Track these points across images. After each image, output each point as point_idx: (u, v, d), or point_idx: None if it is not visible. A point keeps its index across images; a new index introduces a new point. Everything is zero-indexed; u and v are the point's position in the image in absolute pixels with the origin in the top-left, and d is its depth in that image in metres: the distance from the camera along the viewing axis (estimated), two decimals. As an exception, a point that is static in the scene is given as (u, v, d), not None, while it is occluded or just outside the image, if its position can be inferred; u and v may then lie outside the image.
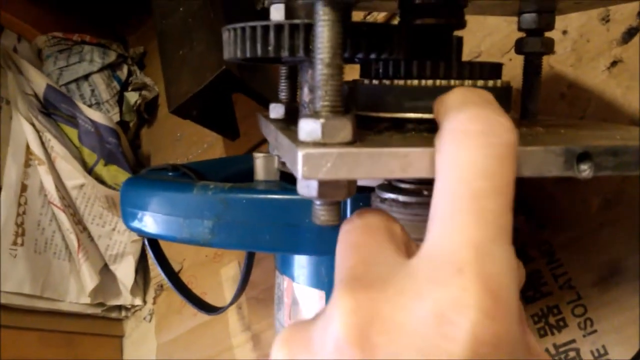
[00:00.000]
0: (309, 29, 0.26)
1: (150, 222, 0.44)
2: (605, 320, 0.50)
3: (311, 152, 0.20)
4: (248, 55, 0.27)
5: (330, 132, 0.21)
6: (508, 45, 0.60)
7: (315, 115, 0.22)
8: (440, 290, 0.18)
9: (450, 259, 0.18)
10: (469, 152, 0.19)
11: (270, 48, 0.26)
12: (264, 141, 0.85)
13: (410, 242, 0.23)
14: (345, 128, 0.21)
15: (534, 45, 0.37)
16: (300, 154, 0.20)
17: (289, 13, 0.32)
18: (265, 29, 0.26)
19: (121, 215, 0.48)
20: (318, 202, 0.23)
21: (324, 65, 0.21)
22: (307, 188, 0.22)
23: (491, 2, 0.35)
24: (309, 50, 0.26)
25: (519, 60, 0.40)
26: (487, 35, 0.61)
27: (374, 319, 0.18)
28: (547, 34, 0.38)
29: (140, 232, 0.45)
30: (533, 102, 0.39)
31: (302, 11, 0.30)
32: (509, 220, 0.19)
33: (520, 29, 0.38)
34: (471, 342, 0.17)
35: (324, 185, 0.22)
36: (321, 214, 0.23)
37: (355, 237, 0.22)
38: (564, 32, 0.55)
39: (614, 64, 0.52)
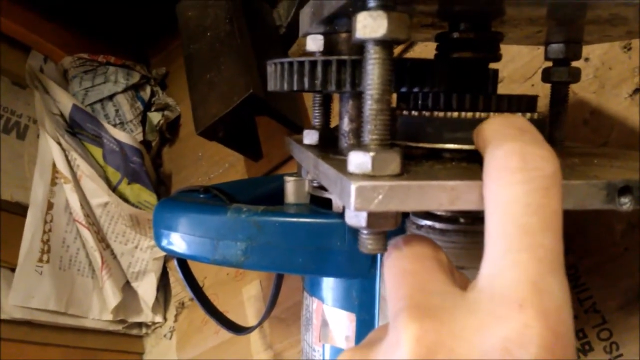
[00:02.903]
0: (355, 64, 0.27)
1: (183, 243, 0.45)
2: (631, 344, 0.50)
3: (363, 185, 0.21)
4: (295, 88, 0.28)
5: (380, 165, 0.22)
6: (530, 71, 0.60)
7: (364, 148, 0.23)
8: (503, 326, 0.18)
9: (510, 295, 0.19)
10: (510, 189, 0.20)
11: (318, 82, 0.27)
12: (283, 162, 0.86)
13: (454, 270, 0.24)
14: (394, 161, 0.22)
15: (560, 75, 0.38)
16: (354, 186, 0.21)
17: (327, 44, 0.33)
18: (313, 64, 0.27)
19: (153, 236, 0.49)
20: (365, 232, 0.24)
21: (373, 100, 0.22)
22: (356, 218, 0.23)
23: (522, 35, 0.36)
24: (355, 84, 0.27)
25: (542, 86, 0.40)
26: (510, 61, 0.62)
27: (439, 349, 0.19)
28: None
29: (173, 253, 0.46)
30: (559, 129, 0.40)
31: (344, 45, 0.31)
32: (560, 251, 0.20)
33: (547, 59, 0.38)
34: None
35: (373, 216, 0.23)
36: (368, 243, 0.24)
37: (406, 264, 0.23)
38: (586, 60, 0.56)
39: (636, 91, 0.52)
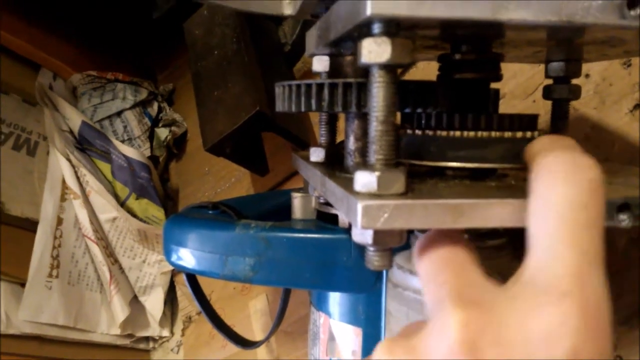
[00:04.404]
0: (361, 87, 0.28)
1: (192, 258, 0.46)
2: (634, 358, 0.50)
3: (370, 204, 0.22)
4: (303, 109, 0.29)
5: (385, 184, 0.23)
6: (532, 87, 0.61)
7: (370, 167, 0.23)
8: (546, 314, 0.20)
9: (553, 286, 0.20)
10: (560, 189, 0.22)
11: (325, 104, 0.28)
12: (289, 177, 0.87)
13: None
14: (399, 180, 0.23)
15: (561, 92, 0.39)
16: (360, 205, 0.22)
17: (332, 65, 0.34)
18: (320, 86, 0.28)
19: (163, 252, 0.49)
20: (372, 249, 0.25)
21: (378, 122, 0.23)
22: (362, 236, 0.24)
23: (522, 54, 0.37)
24: (360, 105, 0.28)
25: (543, 102, 0.41)
26: (512, 78, 0.62)
27: (485, 333, 0.20)
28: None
29: (183, 269, 0.47)
30: (561, 146, 0.40)
31: (349, 67, 0.32)
32: (602, 248, 0.21)
33: (547, 76, 0.39)
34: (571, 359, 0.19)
35: (378, 234, 0.23)
36: (375, 260, 0.25)
37: (444, 253, 0.24)
38: (587, 76, 0.56)
39: (636, 107, 0.53)
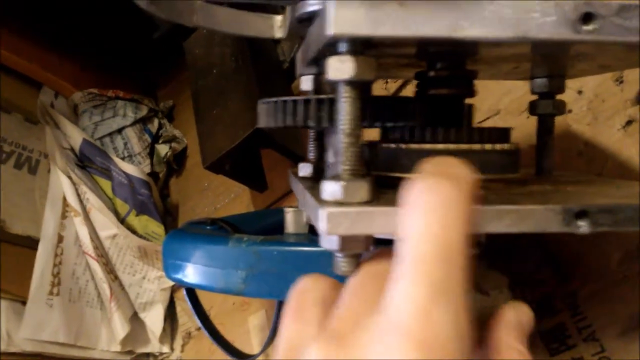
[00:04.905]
0: (333, 102, 0.29)
1: (190, 272, 0.48)
2: (633, 371, 0.50)
3: (332, 211, 0.23)
4: (280, 124, 0.30)
5: (349, 192, 0.24)
6: (526, 103, 0.62)
7: (336, 177, 0.25)
8: (387, 352, 0.20)
9: (394, 323, 0.20)
10: (410, 221, 0.22)
11: (299, 119, 0.29)
12: (287, 193, 0.88)
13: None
14: (362, 189, 0.24)
15: (545, 108, 0.40)
16: (323, 212, 0.23)
17: (317, 83, 0.35)
18: (295, 103, 0.29)
19: (163, 266, 0.51)
20: (339, 255, 0.26)
21: (344, 135, 0.24)
22: (329, 242, 0.25)
23: (502, 71, 0.38)
24: (333, 120, 0.29)
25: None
26: (506, 94, 0.63)
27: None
28: (561, 96, 0.40)
29: (181, 282, 0.48)
30: (547, 159, 0.41)
31: (328, 84, 0.34)
32: (456, 280, 0.21)
33: (533, 93, 0.40)
34: None
35: (344, 240, 0.25)
36: (342, 265, 0.26)
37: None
38: (579, 92, 0.57)
39: (628, 123, 0.54)
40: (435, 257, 0.21)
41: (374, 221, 0.23)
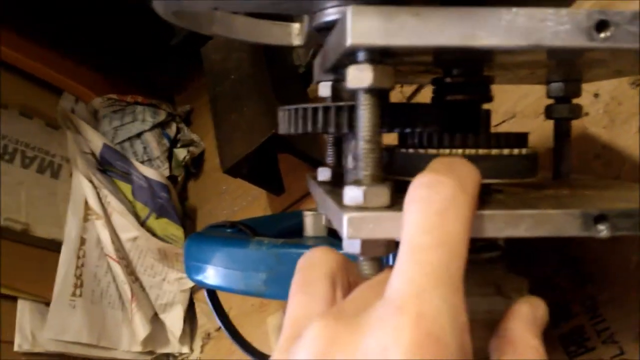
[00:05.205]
0: (352, 109, 0.30)
1: (211, 274, 0.48)
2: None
3: (354, 215, 0.24)
4: (300, 131, 0.31)
5: (370, 197, 0.25)
6: (542, 106, 0.62)
7: (357, 182, 0.25)
8: (384, 327, 0.20)
9: (394, 301, 0.21)
10: (411, 215, 0.23)
11: (319, 126, 0.30)
12: (304, 196, 0.89)
13: None
14: (383, 194, 0.25)
15: (562, 112, 0.40)
16: (346, 217, 0.24)
17: (335, 90, 0.36)
18: (315, 110, 0.30)
19: (185, 268, 0.52)
20: (361, 258, 0.27)
21: (364, 141, 0.25)
22: (351, 246, 0.26)
23: (518, 76, 0.38)
24: (352, 126, 0.30)
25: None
26: (522, 97, 0.63)
27: (337, 342, 0.21)
28: (577, 99, 0.40)
29: (202, 284, 0.49)
30: (564, 163, 0.42)
31: (346, 91, 0.34)
32: (454, 268, 0.22)
33: (549, 97, 0.41)
34: None
35: (366, 243, 0.25)
36: (364, 268, 0.27)
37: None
38: (596, 95, 0.57)
39: (644, 125, 0.54)
40: (434, 247, 0.22)
41: (394, 225, 0.24)
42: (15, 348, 0.85)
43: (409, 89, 0.75)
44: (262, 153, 0.71)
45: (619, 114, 0.56)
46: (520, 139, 0.32)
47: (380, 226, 0.24)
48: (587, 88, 0.57)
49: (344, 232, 0.24)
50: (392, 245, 0.26)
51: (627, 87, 0.55)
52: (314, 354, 0.21)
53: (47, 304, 0.90)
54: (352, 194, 0.25)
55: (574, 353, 0.54)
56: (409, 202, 0.23)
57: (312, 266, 0.28)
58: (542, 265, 0.56)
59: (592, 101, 0.57)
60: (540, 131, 0.58)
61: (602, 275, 0.54)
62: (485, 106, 0.35)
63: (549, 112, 0.41)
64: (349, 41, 0.22)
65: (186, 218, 1.11)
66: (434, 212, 0.22)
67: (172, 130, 1.15)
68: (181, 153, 1.13)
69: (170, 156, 1.12)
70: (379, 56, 0.24)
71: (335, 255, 0.28)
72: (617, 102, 0.56)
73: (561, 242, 0.55)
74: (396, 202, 0.25)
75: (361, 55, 0.24)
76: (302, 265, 0.29)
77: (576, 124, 0.43)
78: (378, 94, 0.24)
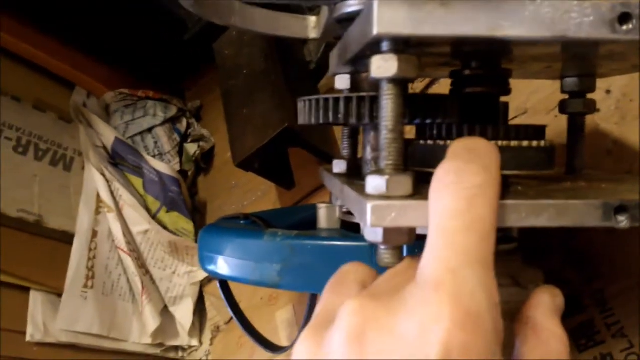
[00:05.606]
0: (373, 100, 0.30)
1: (225, 265, 0.49)
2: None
3: (378, 204, 0.24)
4: (321, 122, 0.31)
5: (393, 186, 0.25)
6: (554, 102, 0.62)
7: (380, 172, 0.26)
8: (422, 306, 0.21)
9: (429, 280, 0.22)
10: (441, 200, 0.23)
11: (341, 116, 0.30)
12: (314, 190, 0.89)
13: None
14: (406, 183, 0.25)
15: (576, 107, 0.40)
16: (369, 205, 0.24)
17: (352, 82, 0.36)
18: (337, 100, 0.30)
19: (198, 259, 0.52)
20: (383, 247, 0.27)
21: (387, 131, 0.25)
22: (373, 234, 0.26)
23: (534, 70, 0.39)
24: (373, 117, 0.30)
25: (566, 117, 0.43)
26: (533, 93, 0.64)
27: (373, 321, 0.22)
28: (590, 95, 0.41)
29: (216, 275, 0.50)
30: (578, 158, 0.42)
31: (365, 82, 0.35)
32: (483, 251, 0.22)
33: (563, 92, 0.41)
34: (444, 347, 0.20)
35: (388, 232, 0.26)
36: (385, 257, 0.27)
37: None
38: (608, 92, 0.57)
39: (656, 122, 0.54)
40: (465, 230, 0.22)
41: (417, 214, 0.24)
42: (28, 338, 0.86)
43: (419, 85, 0.75)
44: (274, 147, 0.71)
45: (630, 110, 0.56)
46: (538, 131, 0.32)
47: (403, 215, 0.24)
48: (599, 85, 0.57)
49: (368, 220, 0.24)
50: (414, 234, 0.27)
51: (638, 84, 0.56)
52: (348, 329, 0.22)
53: (59, 295, 0.91)
54: (374, 183, 0.25)
55: (584, 347, 0.54)
56: (438, 189, 0.24)
57: (347, 272, 0.29)
58: (550, 259, 0.56)
59: (604, 97, 0.57)
60: (552, 127, 0.57)
61: (611, 270, 0.54)
62: (503, 99, 0.35)
63: (563, 107, 0.41)
64: (376, 30, 0.23)
65: (196, 212, 1.12)
66: (463, 197, 0.23)
67: (182, 125, 1.16)
68: (192, 148, 1.14)
69: (180, 151, 1.13)
70: (403, 46, 0.24)
71: (368, 268, 0.29)
72: (629, 99, 0.56)
73: (568, 236, 0.55)
74: (418, 191, 0.26)
75: (385, 45, 0.24)
76: (337, 272, 0.30)
77: (588, 120, 0.43)
78: (401, 84, 0.25)
